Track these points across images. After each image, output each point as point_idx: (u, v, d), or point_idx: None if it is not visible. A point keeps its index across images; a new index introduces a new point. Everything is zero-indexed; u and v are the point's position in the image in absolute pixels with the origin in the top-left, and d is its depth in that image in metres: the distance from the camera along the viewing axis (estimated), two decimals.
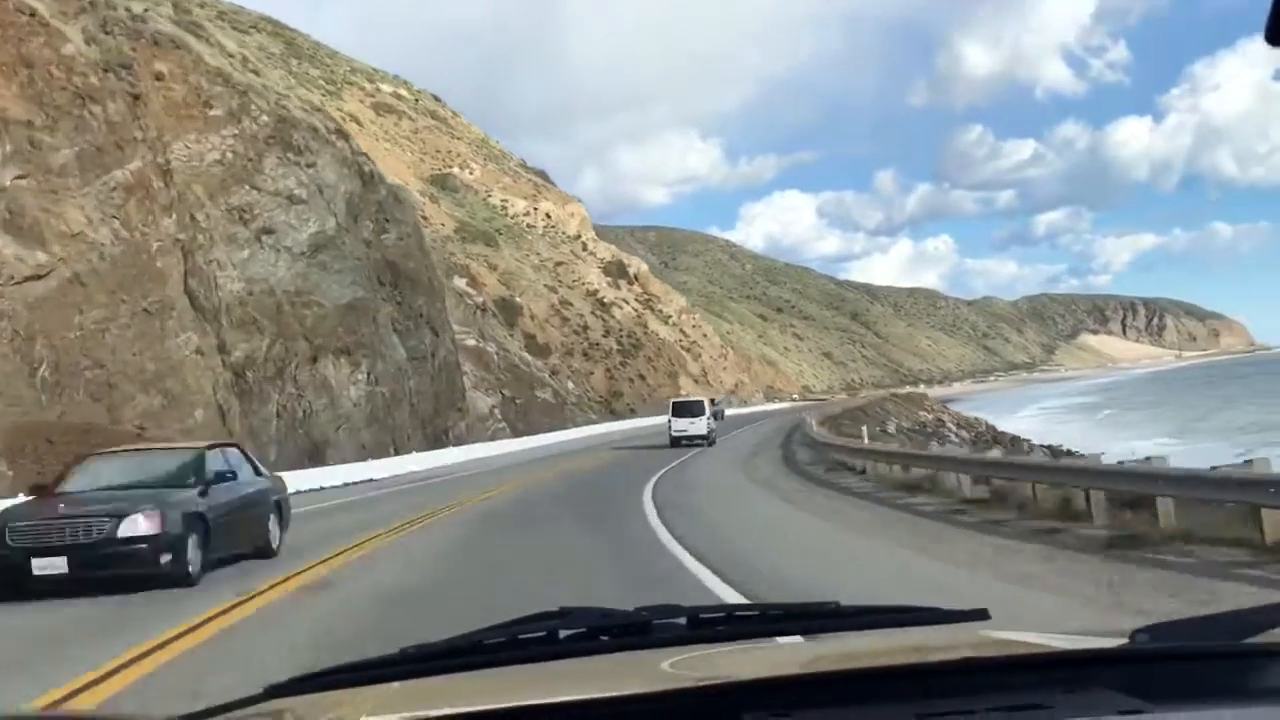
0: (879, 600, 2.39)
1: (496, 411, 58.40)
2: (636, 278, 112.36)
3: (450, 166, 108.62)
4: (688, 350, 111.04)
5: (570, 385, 77.97)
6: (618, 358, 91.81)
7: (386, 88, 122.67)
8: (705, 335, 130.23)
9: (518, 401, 62.74)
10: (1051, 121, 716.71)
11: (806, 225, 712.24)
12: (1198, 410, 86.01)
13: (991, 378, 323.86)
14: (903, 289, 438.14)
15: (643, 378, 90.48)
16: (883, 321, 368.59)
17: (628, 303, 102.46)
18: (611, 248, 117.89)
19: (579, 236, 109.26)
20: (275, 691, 1.68)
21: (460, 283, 65.75)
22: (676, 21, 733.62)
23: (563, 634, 1.77)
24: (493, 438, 52.95)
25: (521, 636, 1.77)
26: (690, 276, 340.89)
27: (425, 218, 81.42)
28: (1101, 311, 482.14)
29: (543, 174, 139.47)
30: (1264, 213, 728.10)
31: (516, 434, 56.22)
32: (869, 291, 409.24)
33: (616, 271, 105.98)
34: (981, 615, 1.87)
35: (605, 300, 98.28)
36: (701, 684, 1.59)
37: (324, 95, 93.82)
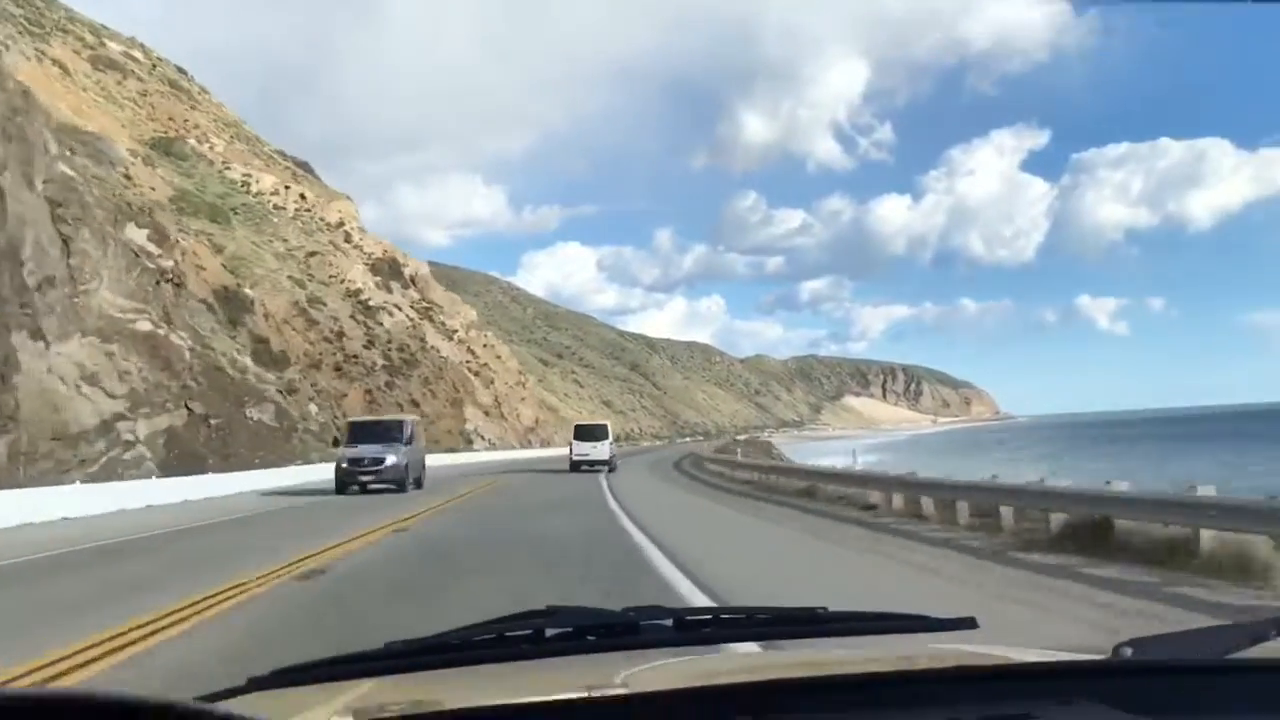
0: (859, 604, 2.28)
1: (136, 433, 33.84)
2: (414, 280, 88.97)
3: (183, 135, 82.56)
4: (477, 374, 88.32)
5: (313, 409, 53.40)
6: (383, 375, 68.26)
7: (117, 46, 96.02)
8: (499, 358, 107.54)
9: (212, 421, 38.50)
10: (820, 194, 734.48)
11: (586, 277, 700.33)
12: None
13: (764, 434, 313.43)
14: (680, 342, 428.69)
15: (415, 404, 67.02)
16: (661, 373, 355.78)
17: (401, 309, 78.96)
18: (385, 242, 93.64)
19: (342, 225, 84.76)
20: (258, 683, 1.62)
21: (138, 235, 40.65)
22: (463, 66, 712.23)
23: (549, 633, 1.71)
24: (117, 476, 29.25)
25: (508, 634, 1.71)
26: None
27: (128, 177, 57.57)
28: (864, 375, 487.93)
29: (306, 165, 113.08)
30: (1006, 291, 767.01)
31: (191, 467, 32.48)
32: (648, 343, 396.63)
33: (389, 271, 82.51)
34: (969, 624, 1.83)
35: (371, 303, 74.67)
36: (687, 687, 1.55)
37: (20, 33, 71.71)
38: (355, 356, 66.41)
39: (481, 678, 1.74)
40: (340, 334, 66.68)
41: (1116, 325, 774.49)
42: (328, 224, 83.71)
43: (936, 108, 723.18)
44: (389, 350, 70.41)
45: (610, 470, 40.71)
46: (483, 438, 78.44)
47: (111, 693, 0.57)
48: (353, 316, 70.06)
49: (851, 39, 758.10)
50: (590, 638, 1.71)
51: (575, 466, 41.86)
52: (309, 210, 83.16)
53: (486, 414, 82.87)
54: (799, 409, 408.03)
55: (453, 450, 66.23)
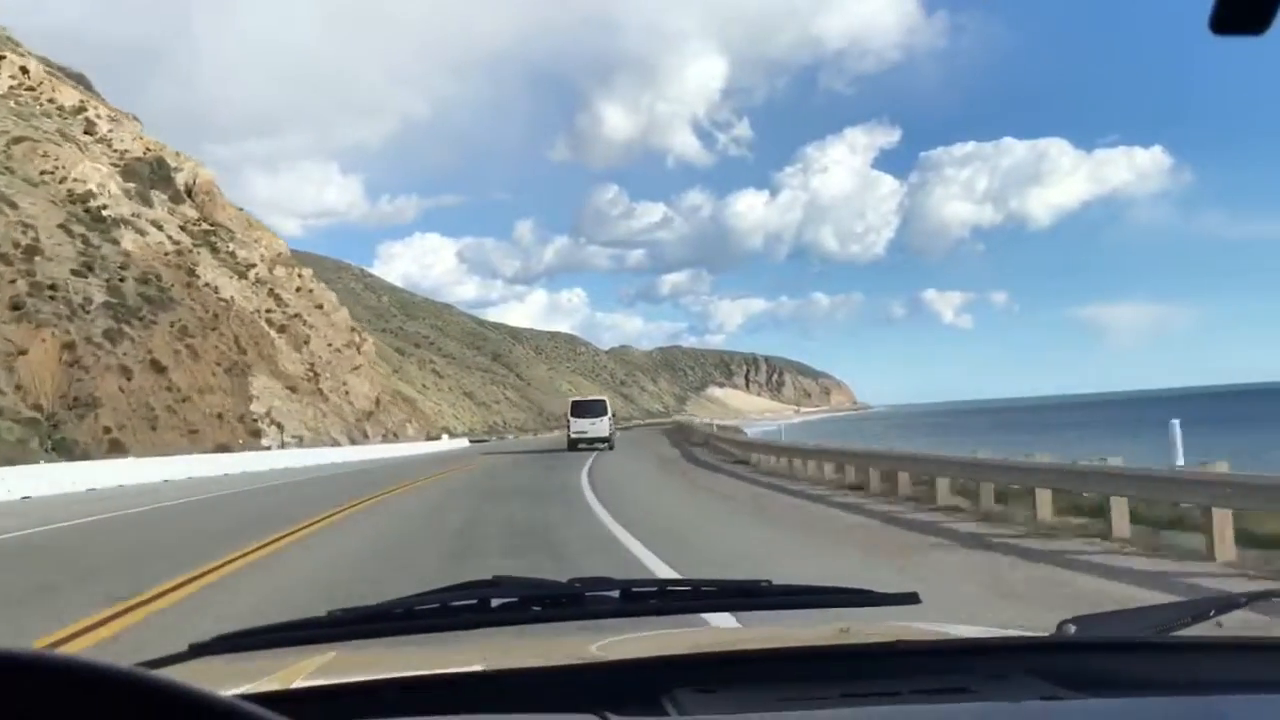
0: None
1: None
2: (190, 192, 62.17)
3: None
4: (282, 330, 62.11)
5: None
6: (104, 320, 41.89)
7: None
8: (322, 308, 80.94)
9: None
10: (681, 188, 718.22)
11: (446, 269, 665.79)
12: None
13: (632, 423, 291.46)
14: (544, 332, 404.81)
15: (162, 369, 40.71)
16: (525, 364, 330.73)
17: (163, 228, 52.36)
18: (151, 139, 65.88)
19: (83, 112, 57.29)
20: (199, 650, 1.56)
21: None
22: (321, 51, 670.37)
23: (494, 603, 1.66)
24: None
25: (453, 604, 1.67)
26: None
27: None
28: (727, 366, 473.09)
29: (83, 78, 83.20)
30: (858, 285, 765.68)
31: None
32: (511, 333, 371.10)
33: (152, 175, 55.46)
34: (911, 599, 1.79)
35: (108, 214, 47.70)
36: (631, 658, 1.53)
37: None
38: (53, 287, 40.08)
39: (425, 647, 1.72)
40: (33, 251, 40.42)
41: (961, 318, 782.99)
42: (60, 108, 56.53)
43: (793, 105, 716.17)
44: (121, 283, 44.26)
45: (610, 448, 38.92)
46: (280, 427, 52.44)
47: (51, 655, 0.54)
48: (65, 227, 43.76)
49: (711, 35, 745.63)
50: (535, 608, 1.66)
51: (574, 445, 39.80)
52: (32, 89, 55.86)
53: (292, 390, 57.11)
54: (664, 400, 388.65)
55: (225, 450, 40.43)
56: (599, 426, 40.64)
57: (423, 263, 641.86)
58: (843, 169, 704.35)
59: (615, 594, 1.71)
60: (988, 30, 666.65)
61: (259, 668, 1.54)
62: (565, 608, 1.67)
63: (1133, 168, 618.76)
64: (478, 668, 1.51)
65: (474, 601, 1.66)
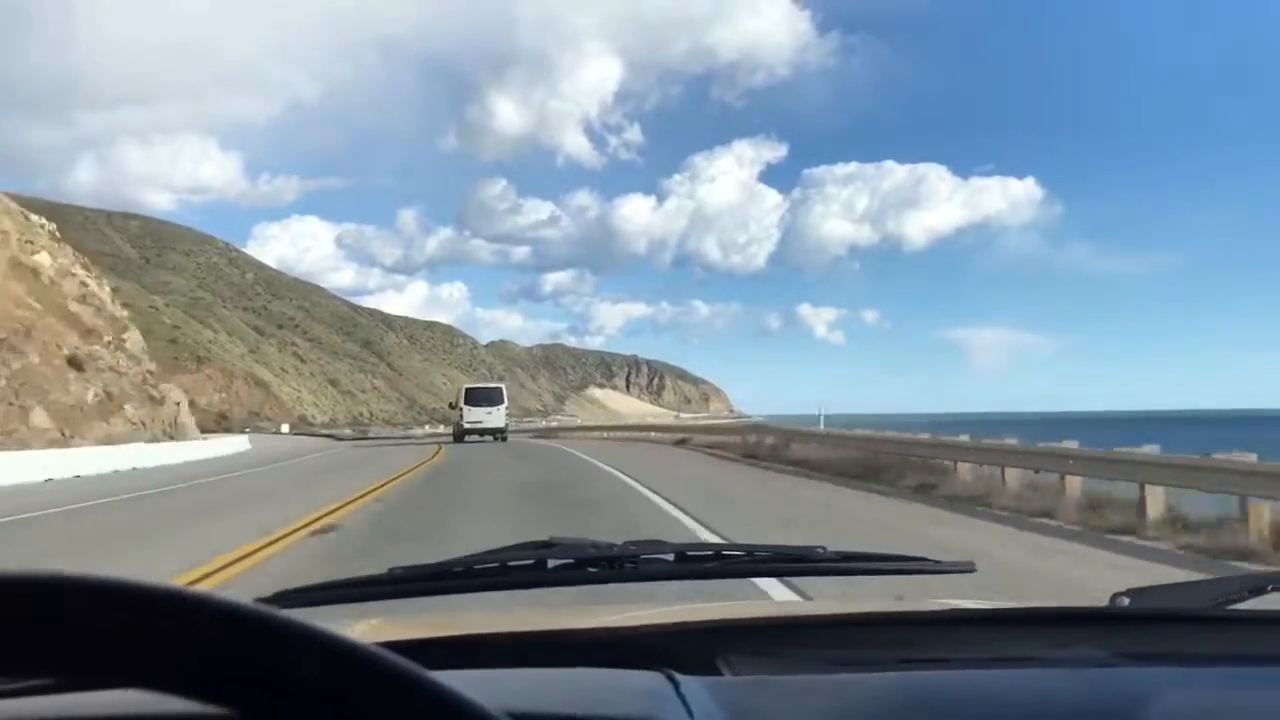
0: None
1: None
2: None
3: None
4: None
5: None
6: None
7: None
8: (81, 281, 63.30)
9: None
10: (569, 188, 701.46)
11: (323, 254, 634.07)
12: None
13: (511, 423, 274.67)
14: (420, 321, 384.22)
15: None
16: (398, 353, 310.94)
17: None
18: None
19: None
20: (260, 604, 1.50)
21: None
22: (207, 22, 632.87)
23: (551, 563, 1.67)
24: None
25: (510, 563, 1.68)
26: (177, 277, 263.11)
27: None
28: (609, 367, 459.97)
29: None
30: (736, 296, 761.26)
31: None
32: (384, 320, 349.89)
33: None
34: (968, 568, 1.79)
35: None
36: (686, 620, 1.52)
37: None
38: None
39: (483, 605, 1.73)
40: None
41: (834, 334, 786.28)
42: None
43: (684, 114, 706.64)
44: None
45: (503, 439, 36.94)
46: None
47: (157, 586, 0.53)
48: None
49: (608, 36, 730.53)
50: (591, 569, 1.66)
51: (462, 436, 36.44)
52: None
53: None
54: (544, 398, 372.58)
55: None
56: (494, 416, 37.53)
57: (299, 246, 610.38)
58: (729, 180, 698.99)
59: (670, 557, 1.70)
60: (877, 53, 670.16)
61: (323, 622, 1.35)
62: (620, 569, 1.66)
63: (1006, 197, 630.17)
64: (535, 626, 1.51)
65: (531, 561, 1.66)
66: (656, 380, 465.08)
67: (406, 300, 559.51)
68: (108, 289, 79.82)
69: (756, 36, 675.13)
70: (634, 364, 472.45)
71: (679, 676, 1.08)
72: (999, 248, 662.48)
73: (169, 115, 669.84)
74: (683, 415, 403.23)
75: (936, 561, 1.76)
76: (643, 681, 1.07)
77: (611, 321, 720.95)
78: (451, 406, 43.20)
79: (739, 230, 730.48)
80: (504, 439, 37.02)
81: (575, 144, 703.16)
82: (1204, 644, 1.37)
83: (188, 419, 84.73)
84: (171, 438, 53.77)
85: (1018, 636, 1.38)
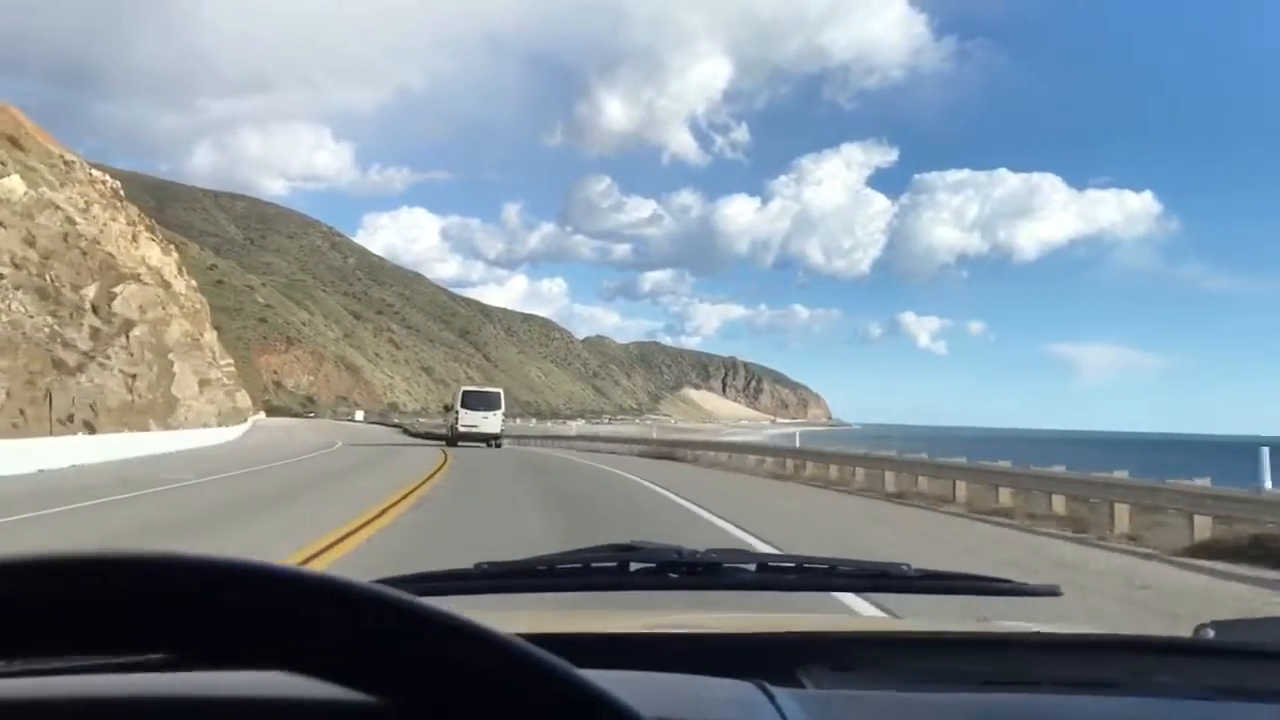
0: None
1: None
2: None
3: None
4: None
5: None
6: None
7: None
8: (133, 235, 55.22)
9: None
10: (673, 186, 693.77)
11: (429, 245, 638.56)
12: None
13: (605, 419, 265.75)
14: (518, 313, 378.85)
15: None
16: (494, 344, 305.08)
17: None
18: None
19: None
20: None
21: None
22: (321, 13, 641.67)
23: (633, 567, 1.66)
24: None
25: (593, 565, 1.68)
26: (279, 259, 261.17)
27: None
28: (705, 368, 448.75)
29: None
30: (837, 301, 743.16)
31: None
32: (483, 311, 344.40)
33: None
34: (1052, 591, 1.76)
35: None
36: (767, 631, 1.53)
37: None
38: None
39: (566, 605, 1.75)
40: None
41: (936, 344, 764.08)
42: None
43: (793, 114, 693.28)
44: None
45: (497, 446, 35.53)
46: None
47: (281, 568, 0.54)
48: None
49: (719, 35, 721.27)
50: (673, 575, 1.65)
51: (455, 441, 34.94)
52: None
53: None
54: (638, 396, 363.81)
55: None
56: (490, 421, 35.91)
57: (406, 236, 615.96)
58: (836, 183, 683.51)
59: (751, 567, 1.69)
60: (994, 59, 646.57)
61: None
62: (701, 576, 1.66)
63: (1122, 210, 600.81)
64: (621, 629, 1.52)
65: (614, 564, 1.66)
66: (754, 383, 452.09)
67: (507, 293, 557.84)
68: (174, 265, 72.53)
69: (871, 38, 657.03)
70: (731, 366, 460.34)
71: (772, 688, 1.09)
72: (1112, 262, 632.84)
73: (286, 104, 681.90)
74: (779, 420, 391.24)
75: (1021, 584, 1.73)
76: (737, 690, 1.08)
77: (709, 322, 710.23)
78: (447, 409, 41.52)
79: (844, 234, 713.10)
80: (499, 445, 35.52)
81: (681, 142, 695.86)
82: None
83: (243, 403, 76.70)
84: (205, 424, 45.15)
85: (1100, 663, 1.36)
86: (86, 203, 54.13)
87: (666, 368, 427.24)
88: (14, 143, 49.11)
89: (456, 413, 36.49)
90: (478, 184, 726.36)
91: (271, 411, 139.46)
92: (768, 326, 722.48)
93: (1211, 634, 1.43)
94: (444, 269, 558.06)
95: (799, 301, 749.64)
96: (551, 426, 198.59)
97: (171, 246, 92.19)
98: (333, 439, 47.00)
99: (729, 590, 1.67)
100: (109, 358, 35.93)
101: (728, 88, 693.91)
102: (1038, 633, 1.50)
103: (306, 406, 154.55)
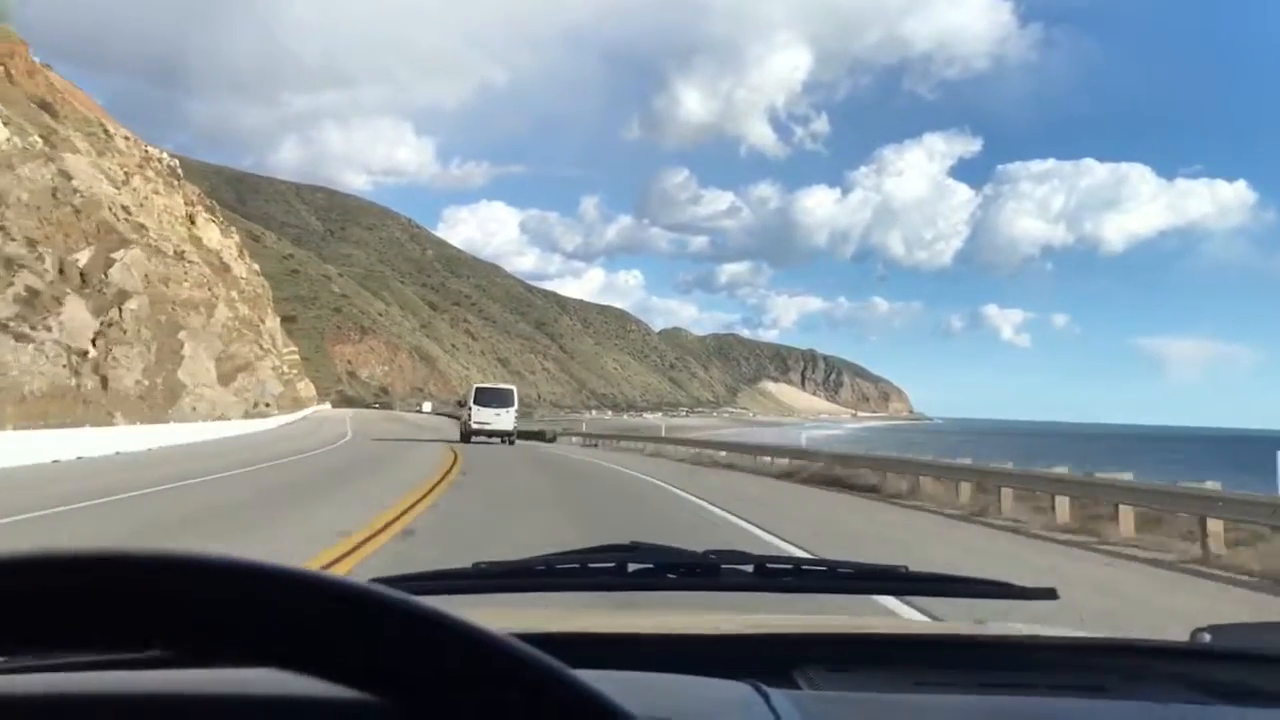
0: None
1: None
2: None
3: None
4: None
5: None
6: None
7: None
8: (189, 214, 51.76)
9: None
10: (751, 178, 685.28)
11: (508, 238, 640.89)
12: None
13: (683, 412, 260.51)
14: (594, 305, 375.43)
15: None
16: (570, 335, 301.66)
17: None
18: None
19: None
20: None
21: None
22: (403, 9, 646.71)
23: (631, 567, 1.66)
24: None
25: (591, 565, 1.68)
26: (358, 250, 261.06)
27: None
28: (784, 360, 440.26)
29: None
30: (918, 294, 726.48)
31: None
32: (559, 301, 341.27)
33: None
34: (1049, 594, 1.75)
35: None
36: (764, 631, 1.54)
37: None
38: None
39: (563, 605, 1.75)
40: None
41: (1019, 337, 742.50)
42: None
43: (874, 105, 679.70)
44: None
45: (510, 443, 33.39)
46: None
47: (277, 568, 0.53)
48: None
49: (798, 25, 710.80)
50: (670, 575, 1.65)
51: (469, 437, 33.57)
52: None
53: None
54: (715, 389, 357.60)
55: None
56: (504, 418, 33.93)
57: (485, 230, 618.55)
58: (917, 174, 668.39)
59: (749, 568, 1.68)
60: (1081, 47, 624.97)
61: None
62: (699, 578, 1.66)
63: (1214, 200, 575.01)
64: (617, 629, 1.52)
65: (612, 565, 1.65)
66: (834, 376, 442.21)
67: (584, 286, 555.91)
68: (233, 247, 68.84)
69: (954, 27, 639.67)
70: (810, 358, 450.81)
71: (767, 688, 1.08)
72: (1202, 253, 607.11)
73: (368, 99, 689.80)
74: (860, 414, 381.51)
75: (1019, 587, 1.72)
76: (733, 691, 1.08)
77: (786, 315, 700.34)
78: (460, 404, 40.76)
79: (925, 226, 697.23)
80: (512, 442, 34.00)
81: (759, 134, 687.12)
82: None
83: (304, 392, 72.83)
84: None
85: (1096, 666, 1.36)
86: (126, 174, 50.68)
87: (744, 360, 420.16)
88: (46, 107, 45.57)
89: (469, 409, 34.88)
90: (556, 178, 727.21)
91: (347, 402, 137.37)
92: (846, 319, 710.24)
93: (1208, 638, 1.43)
94: (522, 262, 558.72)
95: (879, 294, 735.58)
96: (628, 419, 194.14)
97: (233, 229, 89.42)
98: (359, 430, 43.35)
99: (728, 591, 1.67)
100: (49, 329, 30.35)
101: (807, 78, 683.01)
102: (1034, 635, 1.49)
103: (379, 397, 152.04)
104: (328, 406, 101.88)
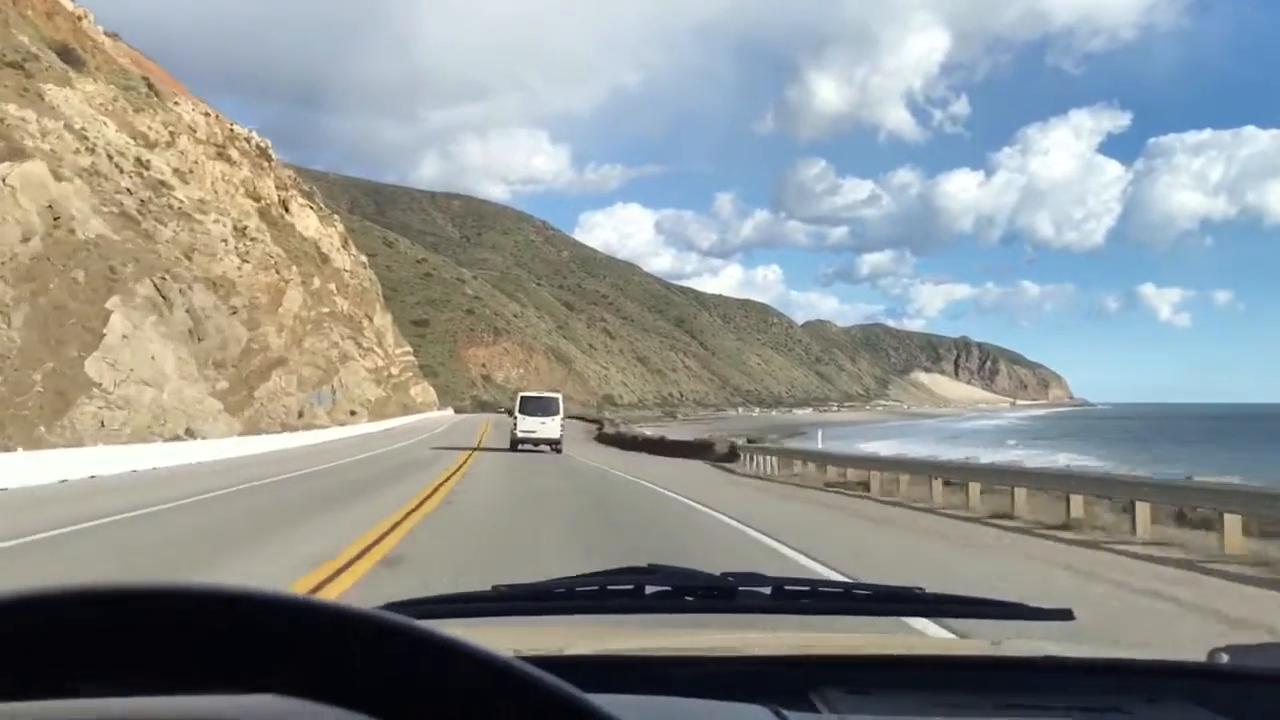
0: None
1: None
2: None
3: None
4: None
5: None
6: None
7: None
8: (281, 199, 42.39)
9: None
10: (890, 165, 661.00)
11: (644, 239, 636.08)
12: None
13: (833, 407, 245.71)
14: (734, 300, 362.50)
15: None
16: (711, 332, 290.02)
17: None
18: None
19: None
20: None
21: None
22: (535, 18, 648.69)
23: (649, 590, 1.64)
24: None
25: (610, 588, 1.66)
26: (495, 254, 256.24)
27: None
28: (935, 349, 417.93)
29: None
30: (1070, 275, 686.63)
31: None
32: (697, 298, 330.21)
33: None
34: (1065, 615, 1.72)
35: None
36: (783, 654, 1.50)
37: None
38: None
39: (582, 627, 1.79)
40: None
41: (1178, 316, 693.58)
42: None
43: (1015, 83, 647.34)
44: None
45: (557, 451, 32.04)
46: None
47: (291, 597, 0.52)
48: None
49: (934, 6, 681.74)
50: (688, 598, 1.63)
51: (516, 445, 32.34)
52: None
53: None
54: (864, 381, 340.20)
55: None
56: (549, 426, 32.30)
57: (621, 232, 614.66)
58: (1064, 152, 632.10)
59: (767, 590, 1.66)
60: (1236, 9, 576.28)
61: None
62: (717, 600, 1.64)
63: None
64: (636, 649, 1.52)
65: (630, 587, 1.63)
66: (989, 364, 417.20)
67: (721, 283, 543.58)
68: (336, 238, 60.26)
69: None
70: (964, 346, 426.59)
71: (786, 713, 1.06)
72: None
73: (504, 109, 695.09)
74: (1019, 403, 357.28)
75: (1034, 608, 1.69)
76: (751, 716, 1.05)
77: (932, 303, 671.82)
78: (509, 413, 38.92)
79: (1074, 205, 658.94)
80: (559, 450, 31.91)
81: (897, 120, 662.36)
82: None
83: (419, 395, 63.48)
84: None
85: (1113, 688, 1.34)
86: (173, 134, 41.98)
87: (893, 351, 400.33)
88: (64, 54, 37.16)
89: (515, 419, 33.51)
90: (690, 176, 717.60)
91: (482, 407, 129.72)
92: (995, 305, 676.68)
93: (1226, 658, 1.39)
94: (658, 263, 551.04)
95: (1028, 278, 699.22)
96: (777, 416, 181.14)
97: (335, 216, 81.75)
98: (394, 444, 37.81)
99: (745, 614, 1.65)
100: None
101: (945, 60, 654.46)
102: (1052, 656, 1.47)
103: (514, 400, 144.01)
104: (449, 412, 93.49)
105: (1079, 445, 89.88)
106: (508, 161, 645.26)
